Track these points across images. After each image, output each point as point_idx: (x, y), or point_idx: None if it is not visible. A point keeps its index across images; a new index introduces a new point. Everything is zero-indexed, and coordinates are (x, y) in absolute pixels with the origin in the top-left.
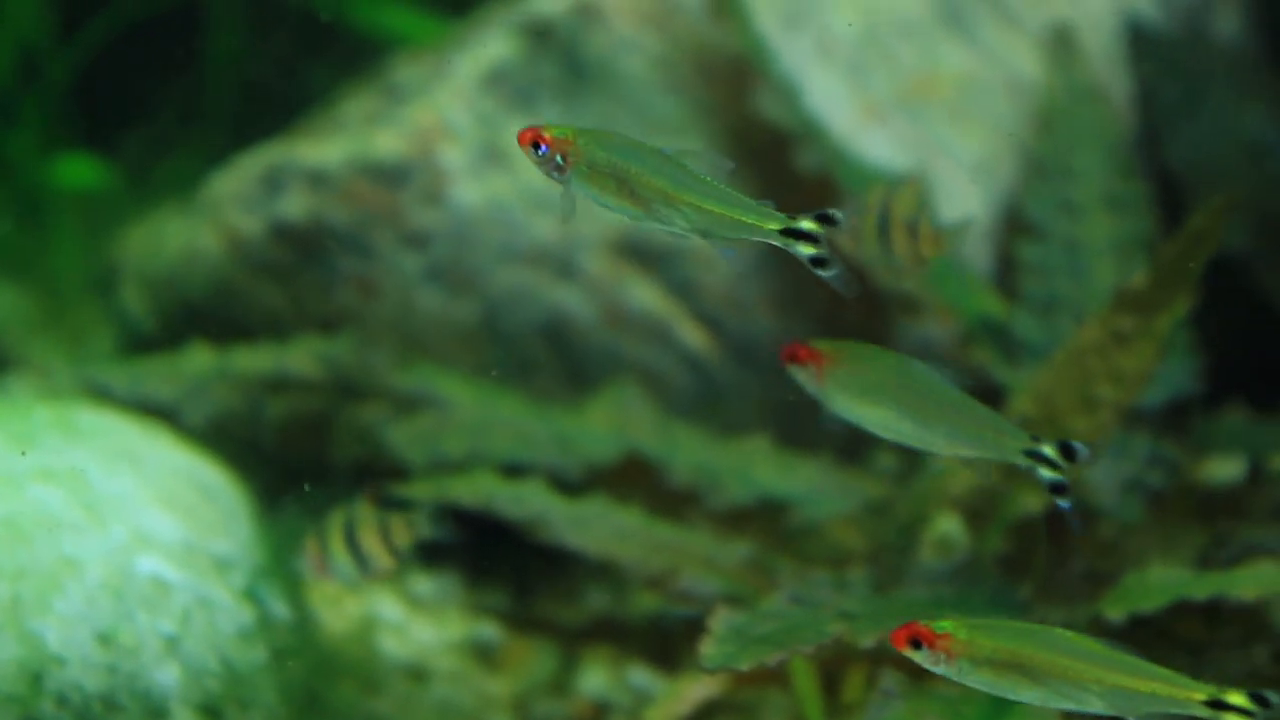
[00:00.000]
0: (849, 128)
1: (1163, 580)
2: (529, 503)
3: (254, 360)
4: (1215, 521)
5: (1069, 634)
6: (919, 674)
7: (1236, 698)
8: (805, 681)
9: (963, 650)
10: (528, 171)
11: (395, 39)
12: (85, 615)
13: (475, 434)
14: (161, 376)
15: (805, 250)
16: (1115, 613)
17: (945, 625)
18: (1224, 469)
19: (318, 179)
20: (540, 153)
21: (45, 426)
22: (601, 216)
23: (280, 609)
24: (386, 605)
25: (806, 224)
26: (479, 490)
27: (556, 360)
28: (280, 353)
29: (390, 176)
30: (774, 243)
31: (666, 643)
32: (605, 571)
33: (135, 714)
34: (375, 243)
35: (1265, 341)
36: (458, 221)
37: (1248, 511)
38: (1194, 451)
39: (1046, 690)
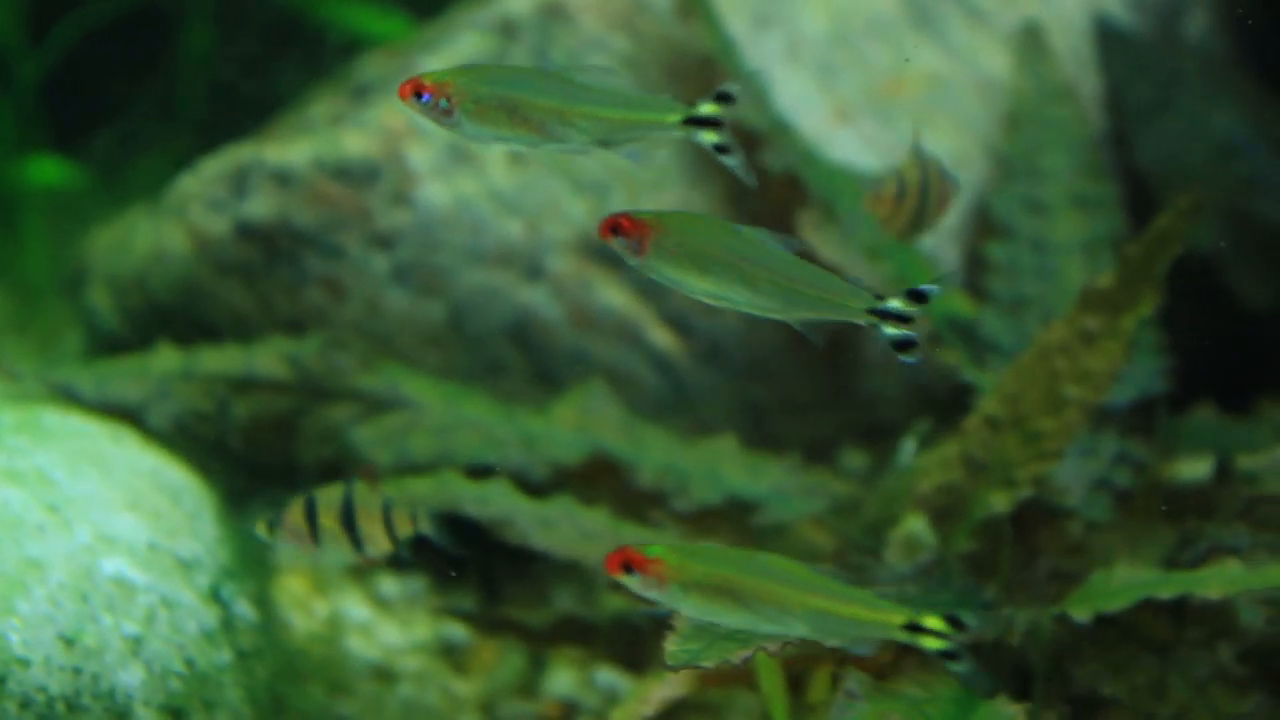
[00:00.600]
0: (818, 128)
1: (1129, 579)
2: (495, 503)
3: (221, 361)
4: (1182, 521)
5: (778, 559)
6: (883, 674)
7: (932, 621)
8: (771, 681)
9: (674, 575)
10: (495, 172)
11: (365, 40)
12: (49, 616)
13: (442, 435)
14: (128, 378)
15: (708, 138)
16: (1081, 612)
17: (656, 550)
18: (1191, 468)
19: (284, 179)
20: (423, 101)
21: (10, 428)
22: (570, 217)
23: (246, 610)
24: (353, 606)
25: (707, 109)
26: (445, 491)
27: (524, 361)
28: (247, 353)
29: (357, 177)
30: (676, 135)
31: (634, 643)
32: (572, 572)
33: (99, 715)
34: (342, 243)
35: (1232, 341)
36: (425, 222)
37: (1214, 511)
38: (1161, 451)
39: (754, 615)
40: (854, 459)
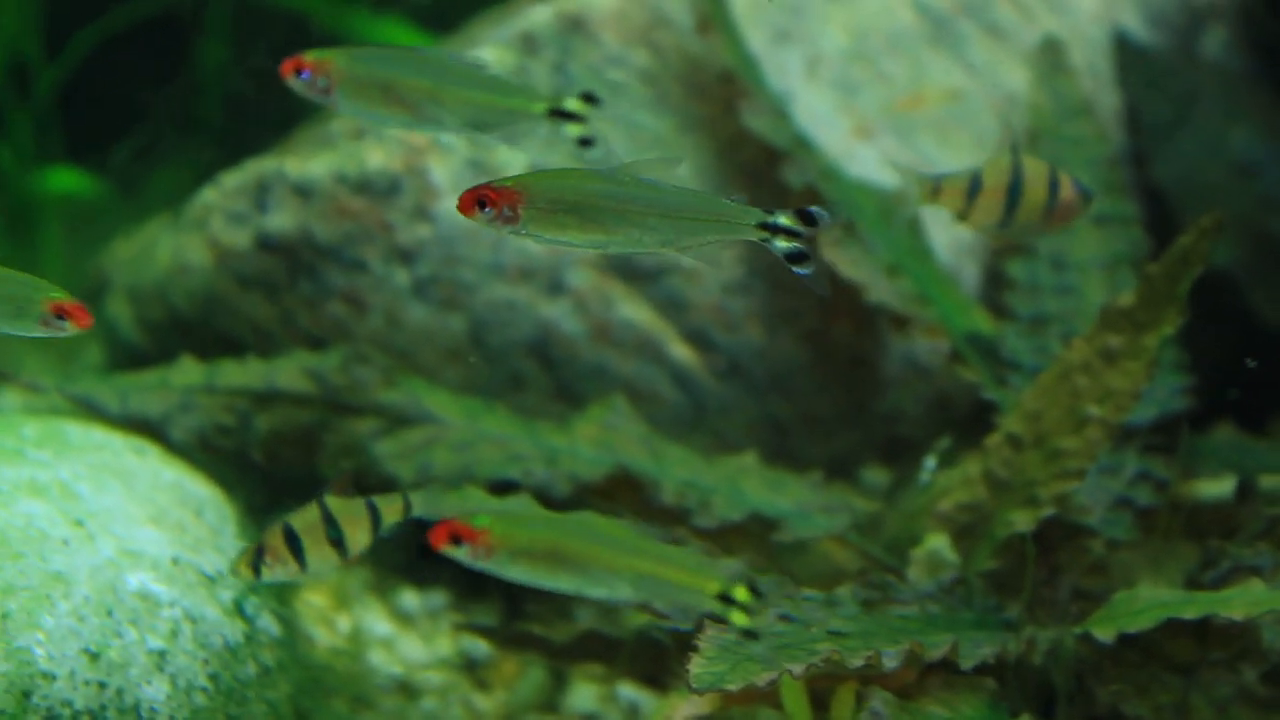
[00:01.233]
0: (838, 144)
1: (1152, 599)
2: None
3: (242, 374)
4: (1204, 540)
5: (603, 522)
6: (908, 694)
7: (740, 592)
8: (795, 700)
9: (500, 543)
10: None
11: None
12: (74, 631)
13: (464, 450)
14: (149, 391)
15: (572, 131)
16: (1104, 632)
17: (482, 520)
18: (1213, 487)
19: (306, 193)
20: (303, 79)
21: (33, 441)
22: None
23: (269, 624)
24: (375, 620)
25: (572, 104)
26: (467, 506)
27: (544, 376)
28: (269, 367)
29: (379, 191)
30: (542, 125)
31: (656, 660)
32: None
33: None
34: (364, 257)
35: (1253, 359)
36: (446, 236)
37: (1237, 530)
38: (1183, 470)
39: (582, 579)
40: (874, 476)
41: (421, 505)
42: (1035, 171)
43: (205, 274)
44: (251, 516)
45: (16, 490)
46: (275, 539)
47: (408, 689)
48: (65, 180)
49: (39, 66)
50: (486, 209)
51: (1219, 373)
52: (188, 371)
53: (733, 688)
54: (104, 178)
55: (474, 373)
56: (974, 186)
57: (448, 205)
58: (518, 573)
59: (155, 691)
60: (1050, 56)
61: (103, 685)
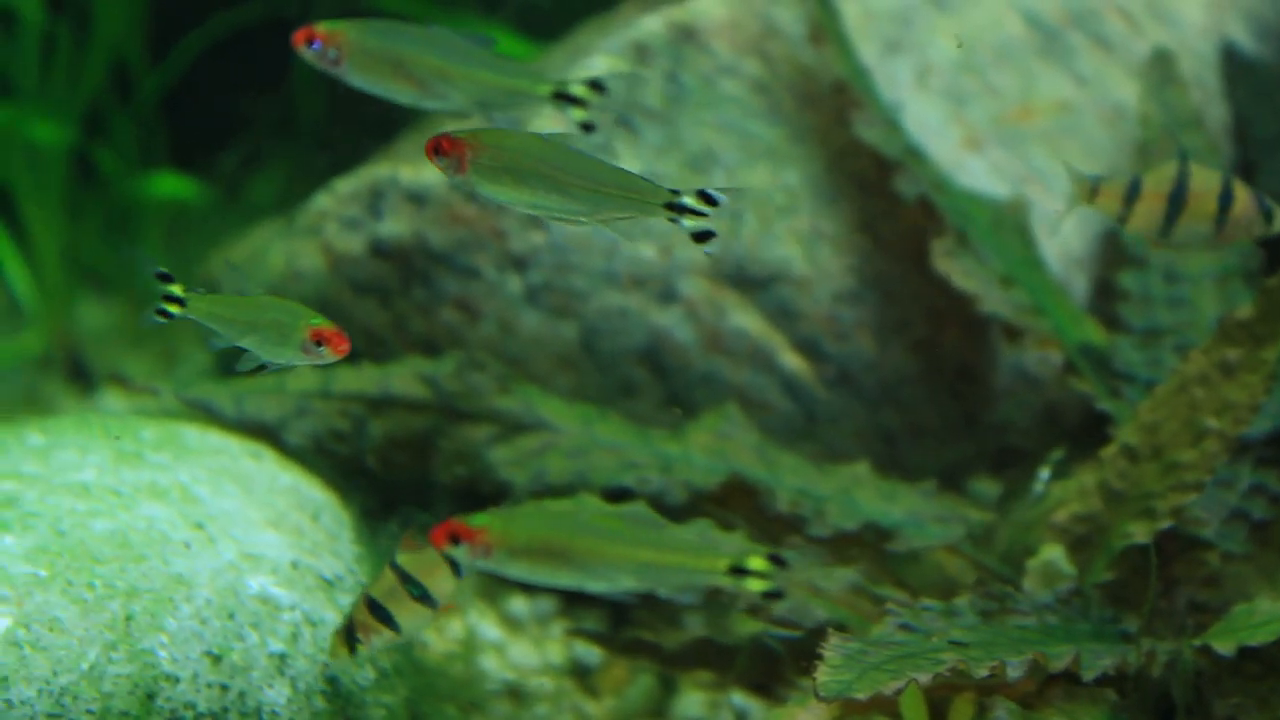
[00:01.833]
0: (948, 155)
1: (1272, 612)
2: None
3: (357, 380)
4: None
5: (599, 517)
6: (1029, 703)
7: (756, 562)
8: (914, 709)
9: (499, 542)
10: None
11: None
12: (197, 633)
13: (578, 457)
14: (266, 395)
15: (576, 115)
16: (1224, 645)
17: (481, 519)
18: None
19: (420, 199)
20: (314, 49)
21: (152, 445)
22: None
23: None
24: (486, 625)
25: (577, 89)
26: (582, 515)
27: (655, 383)
28: (384, 373)
29: None
30: (546, 107)
31: (768, 668)
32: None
33: None
34: (477, 264)
35: None
36: (559, 244)
37: None
38: None
39: (583, 574)
40: (983, 486)
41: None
42: (1205, 182)
43: (319, 279)
44: (366, 521)
45: (137, 493)
46: (361, 614)
47: (518, 694)
48: (167, 184)
49: (142, 72)
50: (439, 156)
51: None
52: (303, 377)
53: (861, 696)
54: (207, 180)
55: (584, 380)
56: (1133, 191)
57: None
58: (518, 571)
59: (276, 695)
60: (1160, 68)
61: (225, 688)
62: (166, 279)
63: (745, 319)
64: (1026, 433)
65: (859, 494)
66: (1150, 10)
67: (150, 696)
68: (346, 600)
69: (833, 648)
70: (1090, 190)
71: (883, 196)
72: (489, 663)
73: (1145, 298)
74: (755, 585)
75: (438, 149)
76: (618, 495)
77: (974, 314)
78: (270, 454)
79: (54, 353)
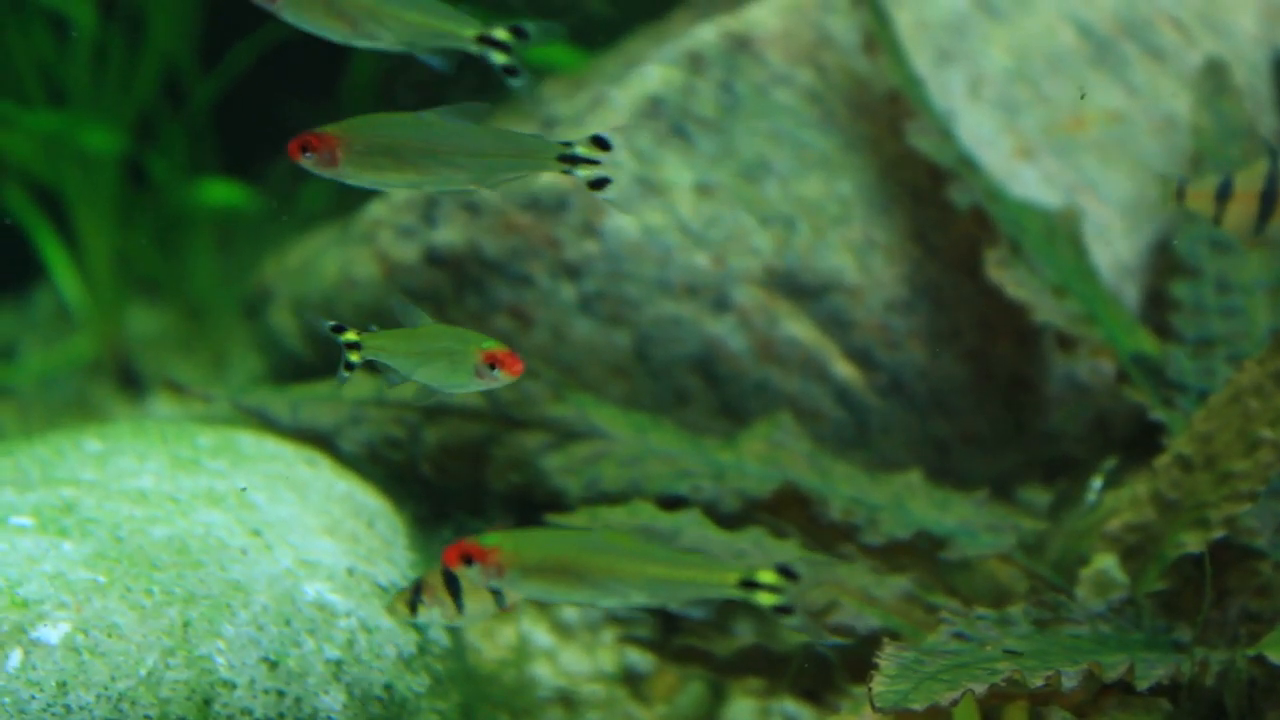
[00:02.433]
0: (1000, 164)
1: None
2: (687, 534)
3: (412, 387)
4: None
5: (609, 534)
6: (1083, 712)
7: (766, 575)
8: (967, 717)
9: (511, 561)
10: (683, 204)
11: (543, 70)
12: (253, 639)
13: (632, 465)
14: (321, 403)
15: (498, 58)
16: (1277, 655)
17: (492, 539)
18: None
19: (475, 208)
20: None
21: (209, 451)
22: (757, 250)
23: (439, 635)
24: (537, 632)
25: (500, 32)
26: (638, 521)
27: (708, 392)
28: None
29: (547, 207)
30: (471, 50)
31: (819, 675)
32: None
33: None
34: (531, 272)
35: None
36: (613, 253)
37: None
38: None
39: (595, 591)
40: (1034, 495)
41: None
42: None
43: (373, 287)
44: (420, 528)
45: (195, 499)
46: (434, 578)
47: (570, 701)
48: (218, 192)
49: (194, 79)
50: (308, 153)
51: None
52: (358, 384)
53: (917, 707)
54: (259, 190)
55: (637, 388)
56: (1224, 190)
57: (615, 222)
58: (531, 589)
59: (332, 701)
60: (1213, 78)
61: (281, 694)
62: (339, 330)
63: (798, 328)
64: (1078, 442)
65: (911, 502)
66: (1202, 20)
67: (207, 702)
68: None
69: (888, 657)
70: (1177, 191)
71: (935, 206)
72: (541, 670)
73: (1198, 307)
74: (765, 599)
75: (305, 147)
76: (672, 503)
77: (1026, 323)
78: (325, 461)
79: (104, 358)
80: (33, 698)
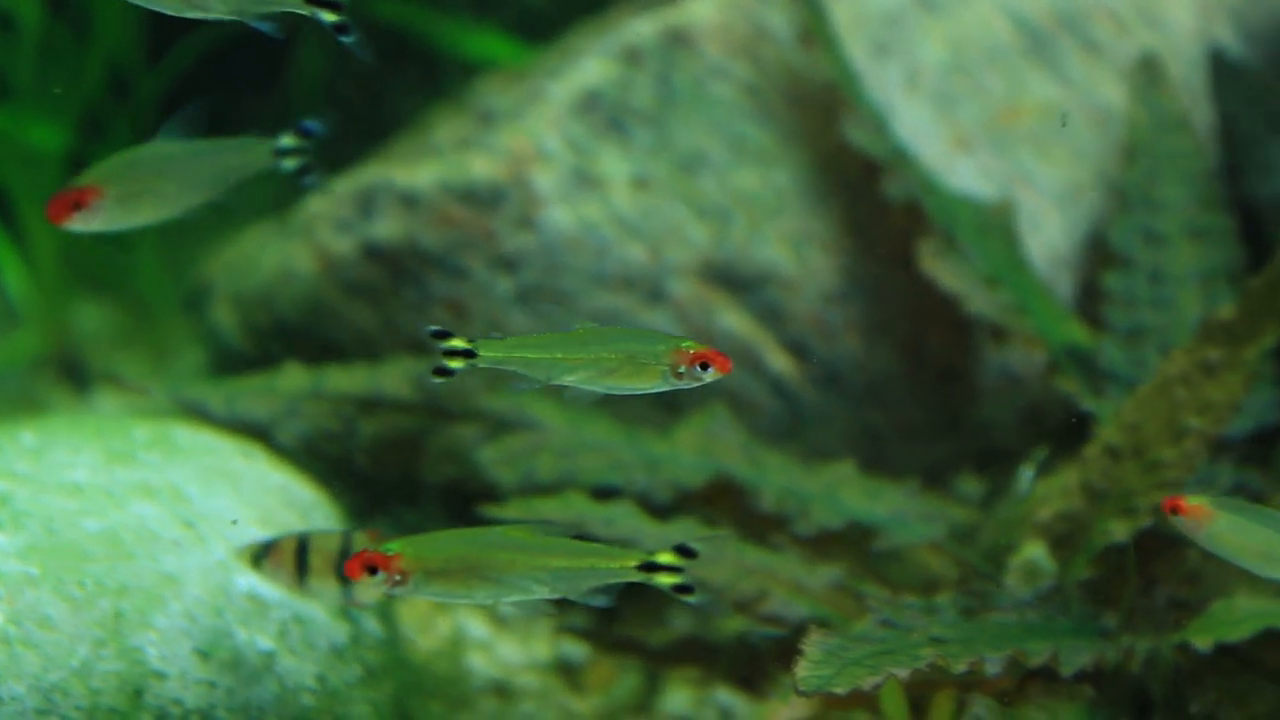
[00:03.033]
0: (937, 157)
1: (1249, 609)
2: (620, 525)
3: (348, 380)
4: None
5: (508, 531)
6: (1008, 700)
7: (664, 557)
8: (894, 704)
9: (414, 566)
10: (619, 197)
11: (484, 64)
12: (185, 630)
13: (566, 456)
14: (257, 396)
15: (329, 18)
16: (1202, 641)
17: (393, 545)
18: None
19: (411, 201)
20: None
21: (144, 444)
22: (692, 242)
23: (372, 626)
24: (474, 624)
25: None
26: (570, 512)
27: None
28: (374, 373)
29: (483, 200)
30: (301, 12)
31: (753, 664)
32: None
33: None
34: (467, 265)
35: None
36: (549, 245)
37: None
38: (1277, 482)
39: (498, 588)
40: (968, 485)
41: None
42: None
43: (311, 281)
44: (356, 520)
45: (129, 492)
46: (288, 546)
47: (504, 691)
48: None
49: (140, 74)
50: (75, 212)
51: None
52: (294, 377)
53: (840, 691)
54: None
55: None
56: None
57: (551, 214)
58: (435, 592)
59: (264, 692)
60: (1148, 72)
61: (213, 685)
62: (443, 335)
63: (734, 320)
64: (1010, 432)
65: (844, 492)
66: (1139, 13)
67: (138, 693)
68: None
69: (813, 643)
70: None
71: (871, 198)
72: (476, 660)
73: (1130, 298)
74: (666, 579)
75: (73, 205)
76: (607, 494)
77: (960, 314)
78: (261, 454)
79: (50, 354)
80: None
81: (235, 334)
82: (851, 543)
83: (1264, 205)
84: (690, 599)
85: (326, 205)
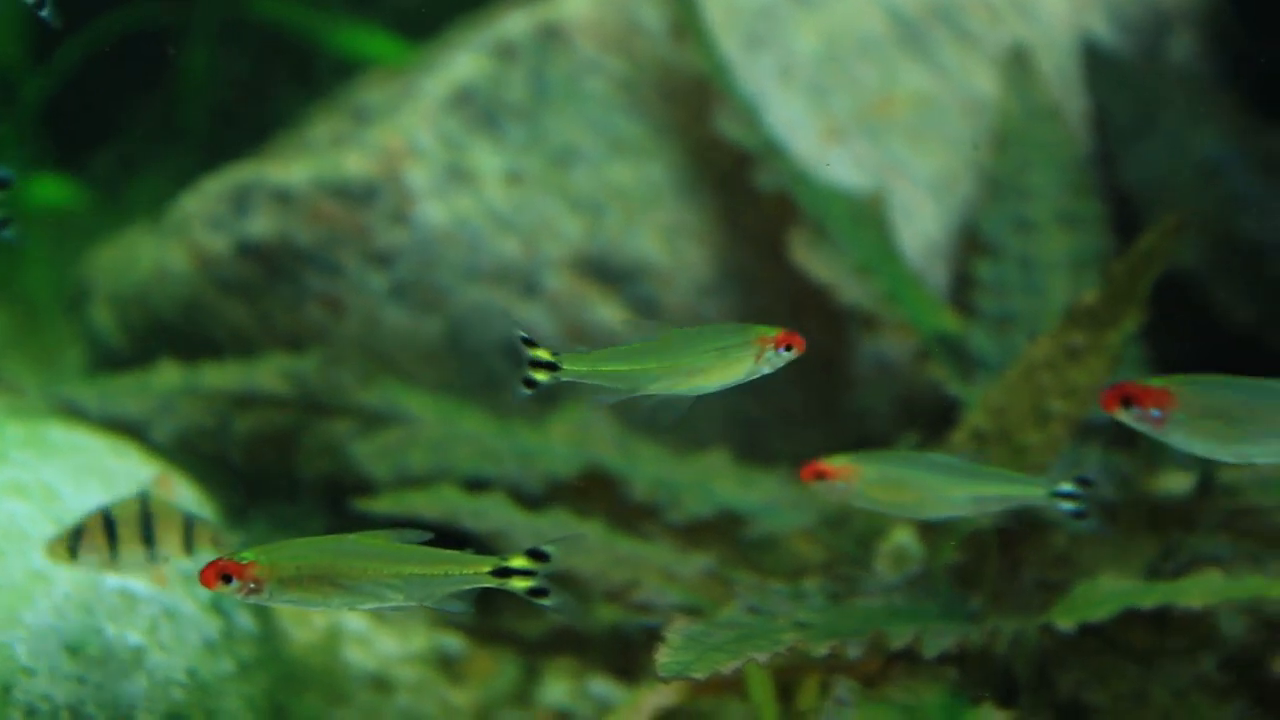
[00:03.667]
0: (810, 148)
1: (1112, 590)
2: (491, 516)
3: (222, 377)
4: (1165, 533)
5: (362, 538)
6: (872, 682)
7: (517, 560)
8: (760, 690)
9: (269, 575)
10: (492, 192)
11: (365, 62)
12: (54, 627)
13: (439, 449)
14: (130, 393)
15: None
16: (1065, 622)
17: (248, 555)
18: (1174, 481)
19: (285, 199)
20: None
21: (16, 443)
22: (565, 236)
23: (246, 620)
24: (351, 618)
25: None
26: (442, 504)
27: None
28: (248, 370)
29: (356, 196)
30: None
31: (627, 653)
32: (566, 584)
33: None
34: (341, 261)
35: (1215, 356)
36: (423, 240)
37: (1196, 523)
38: (1145, 464)
39: (352, 595)
40: None
41: None
42: None
43: (186, 279)
44: (232, 517)
45: (0, 491)
46: (95, 524)
47: (383, 684)
48: (50, 190)
49: (24, 75)
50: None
51: (1182, 370)
52: (168, 375)
53: (699, 675)
54: (87, 185)
55: (450, 374)
56: None
57: (425, 210)
58: (290, 599)
59: (134, 686)
60: (1019, 62)
61: (82, 680)
62: (530, 344)
63: (608, 312)
64: (885, 419)
65: (715, 482)
66: (1012, 4)
67: (7, 689)
68: (206, 592)
69: (675, 630)
70: None
71: (744, 190)
72: (354, 654)
73: (1000, 285)
74: (520, 583)
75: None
76: (479, 486)
77: (833, 304)
78: (135, 451)
79: None
80: None
81: (114, 333)
82: (724, 531)
83: (1137, 192)
84: (546, 602)
85: (201, 203)
